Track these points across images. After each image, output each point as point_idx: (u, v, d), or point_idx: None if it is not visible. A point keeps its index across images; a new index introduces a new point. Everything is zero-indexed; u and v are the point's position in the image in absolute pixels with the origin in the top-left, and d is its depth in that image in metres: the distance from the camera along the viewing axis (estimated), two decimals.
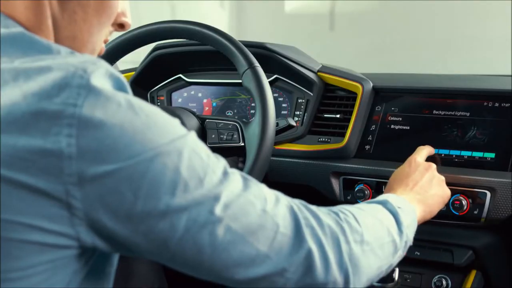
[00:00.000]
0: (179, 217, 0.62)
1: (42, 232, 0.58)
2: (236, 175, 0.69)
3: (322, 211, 0.76)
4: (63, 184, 0.57)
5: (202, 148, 0.66)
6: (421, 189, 1.01)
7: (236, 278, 0.67)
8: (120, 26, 0.77)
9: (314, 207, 0.76)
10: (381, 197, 0.92)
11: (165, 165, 0.61)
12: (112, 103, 0.59)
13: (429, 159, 1.15)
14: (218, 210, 0.64)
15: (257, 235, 0.67)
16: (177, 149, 0.62)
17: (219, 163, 0.68)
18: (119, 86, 0.62)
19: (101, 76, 0.60)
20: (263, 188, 0.71)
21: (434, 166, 1.08)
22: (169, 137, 0.62)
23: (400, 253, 0.86)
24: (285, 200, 0.72)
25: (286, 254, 0.68)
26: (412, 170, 1.05)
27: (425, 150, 1.14)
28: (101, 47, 0.75)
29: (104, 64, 0.62)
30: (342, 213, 0.79)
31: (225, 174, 0.67)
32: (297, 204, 0.74)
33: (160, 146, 0.61)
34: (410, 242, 0.88)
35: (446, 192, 1.07)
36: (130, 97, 0.62)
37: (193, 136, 0.66)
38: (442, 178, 1.08)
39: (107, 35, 0.75)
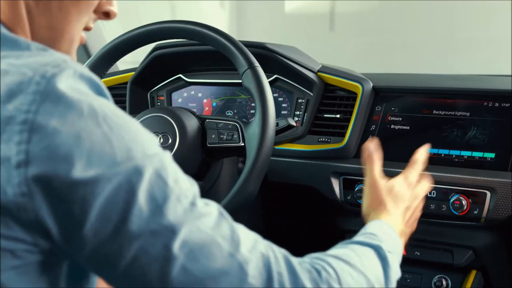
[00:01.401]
0: (129, 244, 0.56)
1: (5, 240, 0.55)
2: (208, 208, 0.62)
3: (302, 269, 0.66)
4: (14, 191, 0.54)
5: (171, 172, 0.60)
6: (411, 220, 0.94)
7: None
8: (106, 15, 0.71)
9: (296, 262, 0.66)
10: (375, 240, 0.81)
11: (120, 187, 0.55)
12: (72, 111, 0.55)
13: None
14: (175, 245, 0.57)
15: (218, 281, 0.59)
16: (137, 170, 0.56)
17: (188, 191, 0.61)
18: (93, 88, 0.59)
19: (66, 79, 0.56)
20: (239, 229, 0.64)
21: (423, 193, 0.99)
22: (131, 155, 0.57)
23: None
24: (262, 247, 0.64)
25: None
26: (408, 194, 0.94)
27: (419, 166, 1.00)
28: (82, 36, 0.71)
29: (73, 65, 0.58)
30: (325, 272, 0.68)
31: (193, 205, 0.60)
32: (277, 254, 0.65)
33: (118, 164, 0.56)
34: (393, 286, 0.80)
35: (414, 228, 0.99)
36: (97, 104, 0.57)
37: (163, 157, 0.60)
38: (419, 213, 1.00)
39: (88, 23, 0.70)
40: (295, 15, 2.87)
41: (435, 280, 1.28)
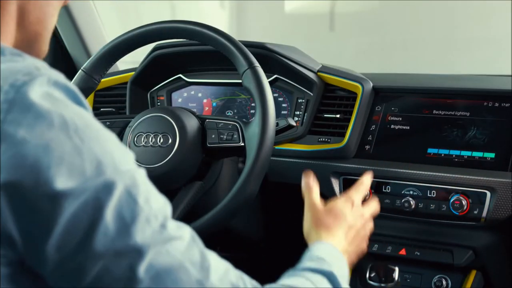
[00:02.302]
0: (92, 262, 0.54)
1: None
2: (180, 232, 0.60)
3: None
4: None
5: (142, 191, 0.57)
6: (352, 240, 0.91)
7: None
8: None
9: None
10: (321, 255, 0.80)
11: (88, 203, 0.53)
12: (41, 121, 0.53)
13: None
14: (140, 268, 0.55)
15: None
16: (107, 186, 0.55)
17: (159, 212, 0.58)
18: (69, 96, 0.57)
19: (38, 87, 0.54)
20: (211, 256, 0.62)
21: (368, 213, 0.98)
22: (102, 169, 0.55)
23: None
24: (233, 277, 0.63)
25: None
26: (350, 215, 0.93)
27: (364, 187, 1.01)
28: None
29: (47, 72, 0.56)
30: None
31: (163, 227, 0.58)
32: (247, 286, 0.64)
33: (87, 179, 0.54)
34: None
35: (364, 248, 0.97)
36: (69, 115, 0.55)
37: (135, 173, 0.58)
38: (369, 231, 0.99)
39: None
40: (295, 15, 2.88)
41: (435, 280, 1.27)
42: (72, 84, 0.59)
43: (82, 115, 0.57)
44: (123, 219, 0.55)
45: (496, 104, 1.22)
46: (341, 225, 0.90)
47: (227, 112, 1.47)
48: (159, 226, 0.57)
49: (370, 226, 0.98)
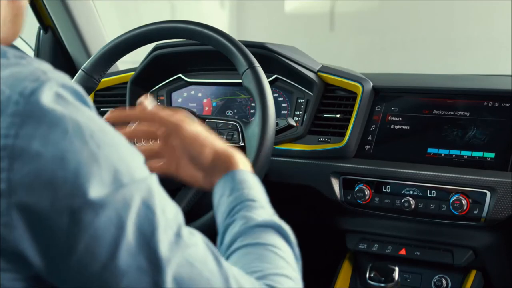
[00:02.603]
0: (117, 281, 0.53)
1: None
2: (194, 238, 0.58)
3: None
4: None
5: (158, 201, 0.56)
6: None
7: None
8: None
9: None
10: (252, 195, 0.72)
11: (109, 220, 0.51)
12: (56, 130, 0.51)
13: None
14: (165, 281, 0.54)
15: None
16: (126, 201, 0.52)
17: (173, 221, 0.57)
18: (77, 97, 0.55)
19: (48, 92, 0.52)
20: (224, 262, 0.60)
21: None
22: (119, 180, 0.53)
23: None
24: (248, 283, 0.60)
25: None
26: (201, 132, 0.80)
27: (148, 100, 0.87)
28: None
29: (54, 76, 0.54)
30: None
31: (178, 236, 0.56)
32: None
33: (106, 193, 0.52)
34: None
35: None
36: (83, 120, 0.53)
37: (150, 183, 0.56)
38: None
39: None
40: (295, 15, 2.88)
41: (435, 280, 1.28)
42: (78, 85, 0.56)
43: (95, 119, 0.54)
44: (143, 233, 0.53)
45: (496, 104, 1.22)
46: (210, 137, 0.79)
47: (227, 112, 1.47)
48: (174, 236, 0.56)
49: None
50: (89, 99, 0.57)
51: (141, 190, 0.54)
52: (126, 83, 1.48)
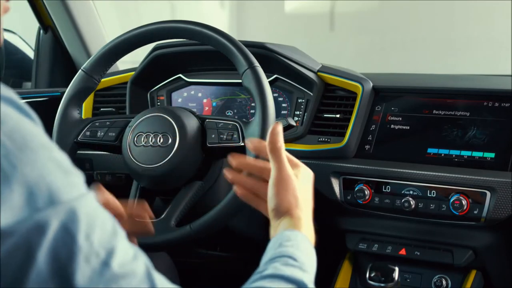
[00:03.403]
0: None
1: None
2: (132, 265, 0.52)
3: None
4: None
5: (84, 224, 0.50)
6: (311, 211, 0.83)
7: None
8: None
9: None
10: (293, 253, 0.71)
11: (18, 247, 0.46)
12: None
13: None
14: None
15: None
16: (39, 226, 0.47)
17: (101, 248, 0.50)
18: (15, 108, 0.50)
19: None
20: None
21: (301, 165, 0.89)
22: (33, 203, 0.47)
23: None
24: None
25: None
26: (306, 184, 0.85)
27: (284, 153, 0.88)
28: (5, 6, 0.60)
29: None
30: None
31: (105, 265, 0.50)
32: None
33: (16, 222, 0.46)
34: None
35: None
36: (1, 138, 0.47)
37: (75, 205, 0.50)
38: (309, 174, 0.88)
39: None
40: (295, 15, 2.88)
41: (435, 280, 1.28)
42: (16, 95, 0.51)
43: (21, 129, 0.48)
44: (58, 260, 0.47)
45: (496, 104, 1.22)
46: (309, 207, 0.82)
47: (227, 112, 1.47)
48: (100, 265, 0.49)
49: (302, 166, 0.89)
50: (29, 108, 0.51)
51: (60, 214, 0.48)
52: (126, 83, 1.48)
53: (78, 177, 0.52)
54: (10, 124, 0.48)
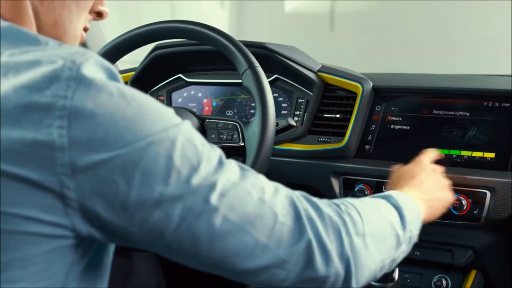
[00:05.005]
0: (174, 206, 0.61)
1: (38, 223, 0.58)
2: (232, 165, 0.68)
3: (323, 203, 0.75)
4: (56, 175, 0.57)
5: (197, 137, 0.66)
6: (426, 190, 0.98)
7: (234, 269, 0.66)
8: (98, 14, 0.78)
9: (315, 199, 0.75)
10: (384, 193, 0.90)
11: (157, 154, 0.60)
12: (103, 93, 0.59)
13: (436, 162, 1.15)
14: (213, 199, 0.63)
15: (255, 224, 0.66)
16: (170, 138, 0.62)
17: (215, 152, 0.67)
18: (110, 76, 0.62)
19: (91, 66, 0.60)
20: (261, 178, 0.71)
21: (440, 169, 1.07)
22: (162, 126, 0.62)
23: (404, 248, 0.84)
24: (284, 190, 0.72)
25: (286, 245, 0.67)
26: (419, 170, 1.02)
27: (432, 153, 1.11)
28: (82, 34, 0.76)
29: (93, 55, 0.62)
30: (343, 205, 0.77)
31: (221, 163, 0.66)
32: (298, 195, 0.73)
33: (152, 135, 0.61)
34: (414, 238, 0.86)
35: (450, 197, 1.04)
36: (122, 86, 0.62)
37: (187, 125, 0.66)
38: (447, 183, 1.05)
39: (86, 23, 0.76)
40: (295, 15, 2.87)
41: (435, 280, 1.27)
42: (112, 65, 0.64)
43: (129, 87, 0.63)
44: (191, 162, 0.62)
45: (496, 104, 1.22)
46: (408, 183, 0.98)
47: (227, 112, 1.47)
48: (217, 163, 0.66)
49: (441, 171, 1.07)
50: (120, 77, 0.65)
51: (182, 130, 0.64)
52: (126, 83, 1.48)
53: (173, 111, 0.67)
54: (121, 83, 0.64)
